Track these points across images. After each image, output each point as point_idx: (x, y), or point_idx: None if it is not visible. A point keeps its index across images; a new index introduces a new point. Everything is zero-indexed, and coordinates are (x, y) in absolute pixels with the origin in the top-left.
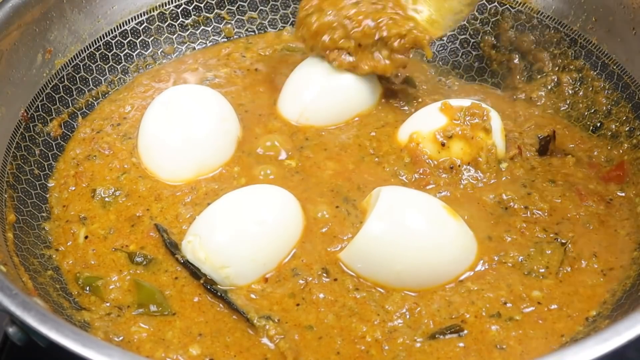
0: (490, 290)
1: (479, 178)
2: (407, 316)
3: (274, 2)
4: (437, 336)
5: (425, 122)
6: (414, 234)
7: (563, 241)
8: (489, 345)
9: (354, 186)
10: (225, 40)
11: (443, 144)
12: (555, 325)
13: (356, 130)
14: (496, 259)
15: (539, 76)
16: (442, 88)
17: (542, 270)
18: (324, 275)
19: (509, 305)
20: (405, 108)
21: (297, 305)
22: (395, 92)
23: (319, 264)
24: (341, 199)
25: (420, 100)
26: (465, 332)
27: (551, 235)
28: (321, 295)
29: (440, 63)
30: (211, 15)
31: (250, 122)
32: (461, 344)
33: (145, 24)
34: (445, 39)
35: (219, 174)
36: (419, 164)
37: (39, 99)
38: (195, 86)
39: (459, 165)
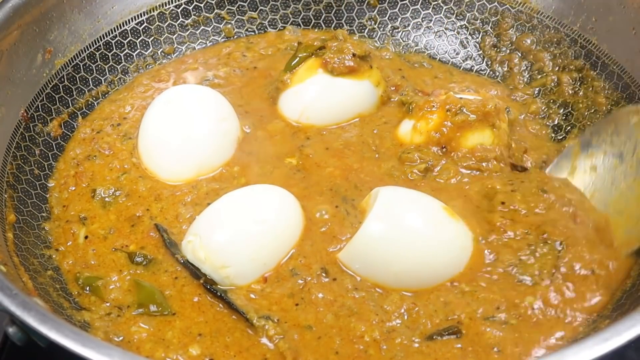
0: (486, 292)
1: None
2: (406, 316)
3: (274, 2)
4: (434, 337)
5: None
6: (412, 235)
7: (559, 241)
8: (485, 346)
9: (351, 185)
10: (225, 40)
11: (443, 147)
12: (555, 325)
13: (358, 129)
14: (493, 260)
15: (539, 76)
16: (443, 87)
17: (537, 273)
18: (323, 275)
19: (505, 306)
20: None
21: (296, 305)
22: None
23: (318, 264)
24: (340, 198)
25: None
26: (463, 333)
27: (544, 236)
28: (320, 295)
29: (441, 62)
30: (211, 15)
31: (251, 121)
32: (458, 345)
33: (145, 24)
34: (445, 38)
35: (219, 174)
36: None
37: (39, 99)
38: (195, 86)
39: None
